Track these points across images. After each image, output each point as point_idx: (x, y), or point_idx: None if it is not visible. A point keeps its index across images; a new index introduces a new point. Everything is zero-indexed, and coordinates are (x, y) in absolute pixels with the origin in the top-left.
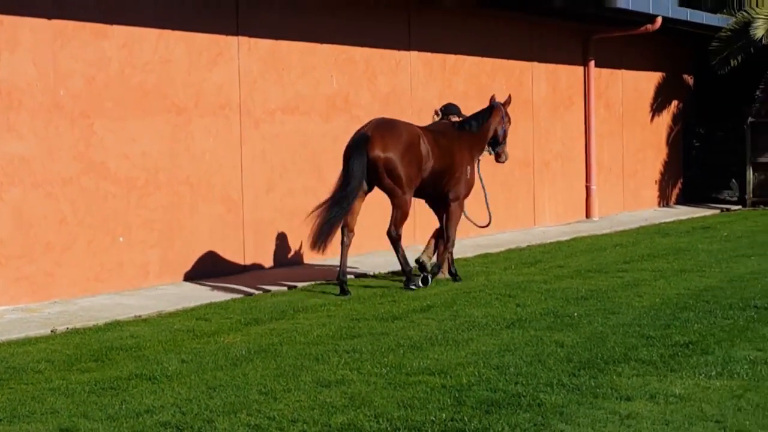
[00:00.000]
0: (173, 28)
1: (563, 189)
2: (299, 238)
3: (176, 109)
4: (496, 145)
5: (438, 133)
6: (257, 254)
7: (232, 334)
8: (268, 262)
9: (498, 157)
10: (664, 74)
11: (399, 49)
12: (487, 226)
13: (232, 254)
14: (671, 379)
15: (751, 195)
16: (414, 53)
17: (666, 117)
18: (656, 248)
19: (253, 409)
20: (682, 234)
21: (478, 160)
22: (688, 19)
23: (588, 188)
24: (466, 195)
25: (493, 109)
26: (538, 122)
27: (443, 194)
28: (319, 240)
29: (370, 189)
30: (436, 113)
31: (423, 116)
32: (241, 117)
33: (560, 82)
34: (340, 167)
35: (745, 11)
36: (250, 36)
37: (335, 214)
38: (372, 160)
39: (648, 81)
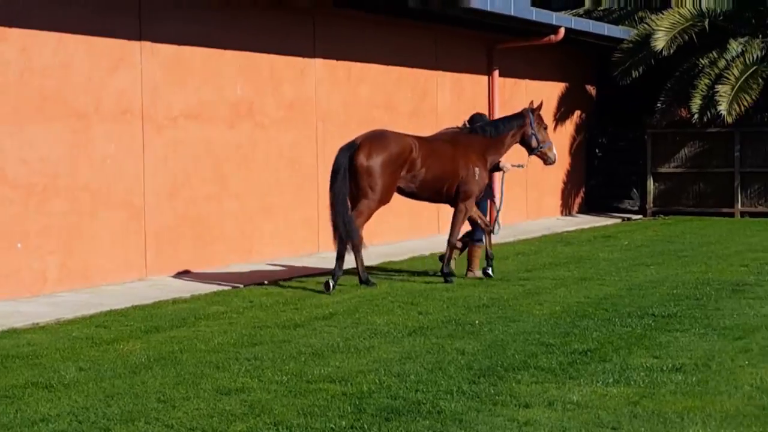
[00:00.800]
0: (73, 32)
1: None
2: (202, 245)
3: (76, 114)
4: (531, 150)
5: (438, 141)
6: (159, 261)
7: (131, 342)
8: (170, 269)
9: (544, 160)
10: (567, 84)
11: (304, 56)
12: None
13: (133, 261)
14: (569, 386)
15: (652, 204)
16: (319, 60)
17: (569, 127)
18: (558, 257)
19: (151, 417)
20: (583, 243)
21: (505, 168)
22: (591, 30)
23: (492, 198)
24: (477, 194)
25: (521, 117)
26: None
27: (452, 195)
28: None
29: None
30: (465, 124)
31: (327, 124)
32: (144, 123)
33: (465, 91)
34: (244, 174)
35: (646, 23)
36: (153, 41)
37: (341, 226)
38: (354, 166)
39: (551, 91)
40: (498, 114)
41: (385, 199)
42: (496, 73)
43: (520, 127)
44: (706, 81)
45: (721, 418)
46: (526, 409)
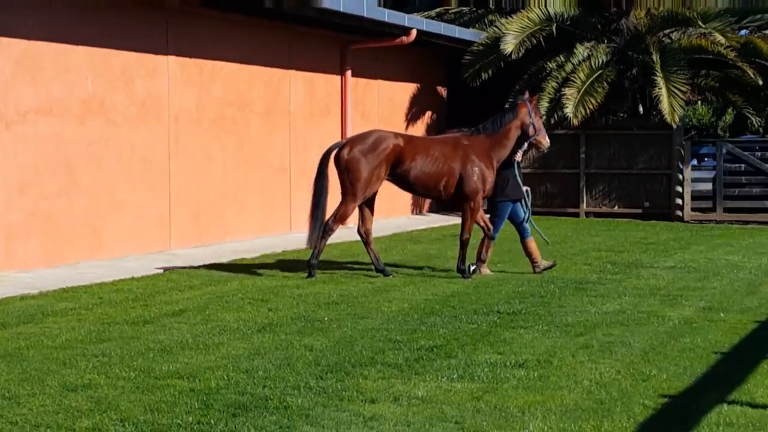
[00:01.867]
0: None
1: None
2: (52, 242)
3: None
4: (527, 138)
5: (434, 141)
6: (8, 257)
7: None
8: (19, 265)
9: (538, 147)
10: (419, 85)
11: (157, 53)
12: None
13: None
14: (415, 381)
15: None
16: (172, 58)
17: (420, 127)
18: (407, 255)
19: None
20: (433, 241)
21: (516, 162)
22: (442, 32)
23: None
24: (483, 193)
25: (518, 107)
26: (295, 130)
27: (452, 193)
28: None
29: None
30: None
31: (180, 122)
32: None
33: (317, 90)
34: (95, 171)
35: (496, 27)
36: (3, 36)
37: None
38: (336, 162)
39: (403, 91)
40: (350, 113)
41: (365, 193)
42: (349, 73)
43: (519, 118)
44: (554, 84)
45: (561, 412)
46: (372, 404)
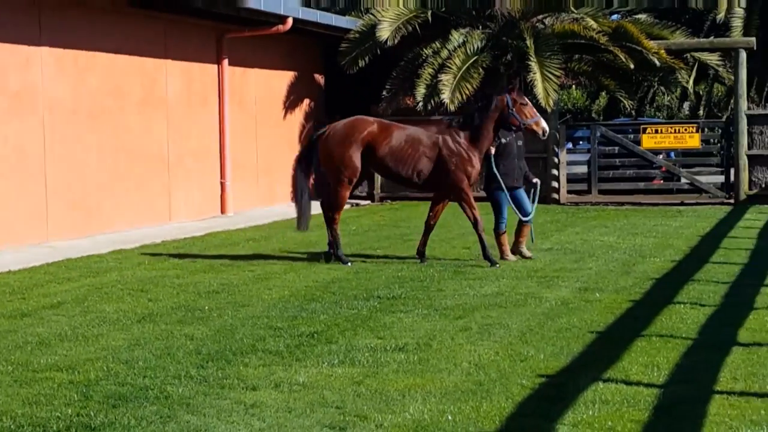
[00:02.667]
0: None
1: (198, 185)
2: None
3: None
4: (516, 129)
5: (411, 129)
6: None
7: None
8: None
9: (535, 133)
10: (296, 73)
11: (29, 44)
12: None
13: None
14: (296, 368)
15: (379, 190)
16: (45, 49)
17: (298, 115)
18: (287, 242)
19: None
20: (313, 228)
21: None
22: (318, 20)
23: (223, 184)
24: (468, 181)
25: (496, 99)
26: (172, 120)
27: (431, 183)
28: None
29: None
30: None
31: (55, 113)
32: None
33: (194, 80)
34: None
35: (371, 14)
36: None
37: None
38: (321, 148)
39: (281, 80)
40: (227, 102)
41: (348, 177)
42: (226, 62)
43: (498, 109)
44: (430, 70)
45: (440, 394)
46: (254, 391)
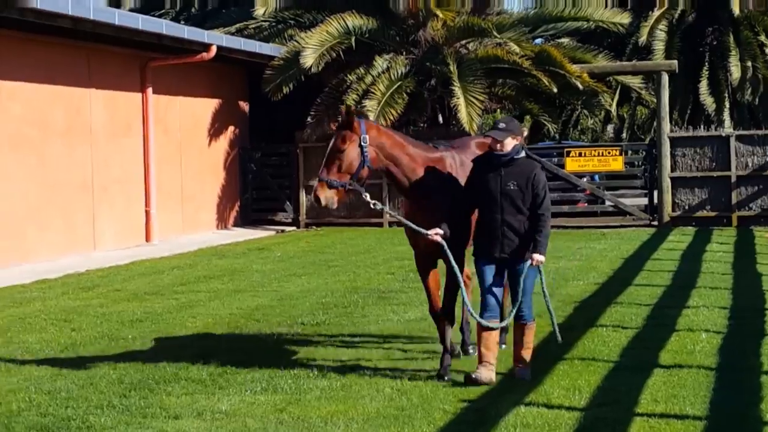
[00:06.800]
0: None
1: (123, 213)
2: None
3: None
4: None
5: None
6: None
7: None
8: None
9: None
10: (221, 101)
11: None
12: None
13: None
14: (219, 396)
15: (305, 216)
16: None
17: (223, 142)
18: (212, 270)
19: None
20: (238, 255)
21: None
22: (242, 47)
23: (147, 212)
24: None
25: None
26: (97, 148)
27: None
28: None
29: None
30: None
31: None
32: None
33: (119, 108)
34: None
35: (296, 41)
36: None
37: None
38: None
39: (205, 107)
40: (152, 130)
41: None
42: (150, 90)
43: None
44: (354, 96)
45: (363, 420)
46: (176, 420)
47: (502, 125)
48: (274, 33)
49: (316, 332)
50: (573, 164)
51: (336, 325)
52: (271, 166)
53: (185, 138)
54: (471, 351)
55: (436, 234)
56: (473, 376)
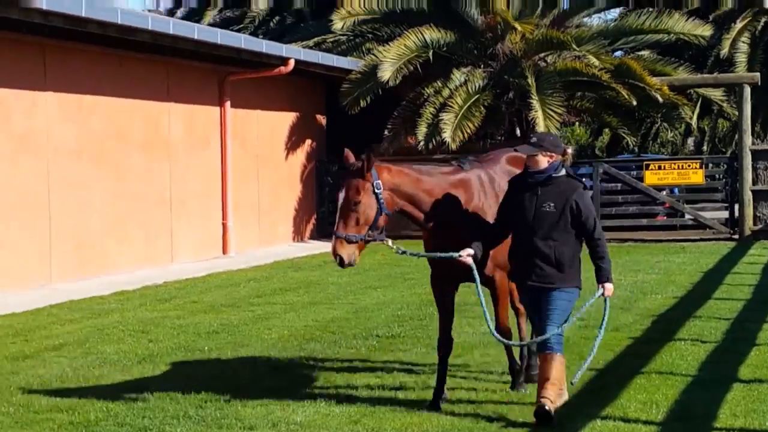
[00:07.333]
0: None
1: (200, 226)
2: None
3: None
4: None
5: None
6: None
7: None
8: None
9: None
10: (298, 114)
11: (35, 89)
12: None
13: None
14: (294, 407)
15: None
16: (50, 93)
17: (300, 155)
18: (288, 282)
19: None
20: (314, 268)
21: None
22: (320, 61)
23: (225, 225)
24: None
25: None
26: (175, 161)
27: None
28: None
29: None
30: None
31: (59, 155)
32: None
33: (197, 122)
34: None
35: (373, 54)
36: None
37: None
38: None
39: (282, 121)
40: (230, 144)
41: None
42: (228, 104)
43: None
44: (432, 109)
45: None
46: (251, 431)
47: (533, 139)
48: (351, 47)
49: (391, 344)
50: (652, 177)
51: (411, 338)
52: None
53: (262, 151)
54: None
55: (468, 256)
56: (544, 407)
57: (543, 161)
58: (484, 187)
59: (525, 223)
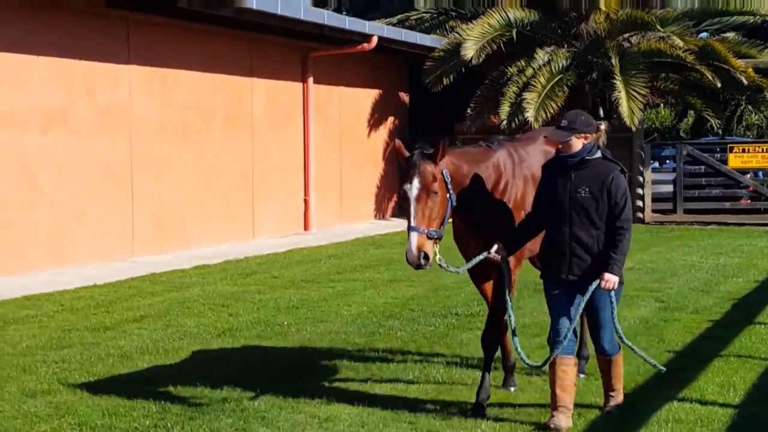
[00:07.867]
0: None
1: (282, 202)
2: (13, 251)
3: None
4: None
5: None
6: None
7: None
8: None
9: None
10: (381, 91)
11: (118, 62)
12: None
13: None
14: (371, 383)
15: None
16: (134, 67)
17: (382, 133)
18: (369, 259)
19: None
20: (395, 245)
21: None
22: (403, 39)
23: (306, 201)
24: None
25: None
26: (257, 137)
27: None
28: None
29: None
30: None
31: (141, 130)
32: None
33: (280, 98)
34: (57, 180)
35: (456, 32)
36: None
37: None
38: None
39: (365, 98)
40: (312, 120)
41: None
42: (311, 80)
43: None
44: (515, 88)
45: (513, 410)
46: (328, 405)
47: (564, 122)
48: (435, 24)
49: (470, 323)
50: (736, 160)
51: None
52: None
53: (345, 128)
54: (512, 389)
55: (497, 253)
56: (551, 425)
57: (577, 144)
58: (512, 167)
59: (560, 210)
